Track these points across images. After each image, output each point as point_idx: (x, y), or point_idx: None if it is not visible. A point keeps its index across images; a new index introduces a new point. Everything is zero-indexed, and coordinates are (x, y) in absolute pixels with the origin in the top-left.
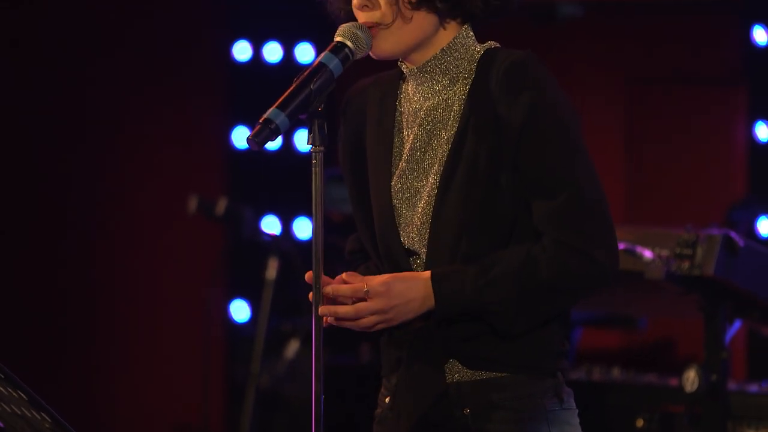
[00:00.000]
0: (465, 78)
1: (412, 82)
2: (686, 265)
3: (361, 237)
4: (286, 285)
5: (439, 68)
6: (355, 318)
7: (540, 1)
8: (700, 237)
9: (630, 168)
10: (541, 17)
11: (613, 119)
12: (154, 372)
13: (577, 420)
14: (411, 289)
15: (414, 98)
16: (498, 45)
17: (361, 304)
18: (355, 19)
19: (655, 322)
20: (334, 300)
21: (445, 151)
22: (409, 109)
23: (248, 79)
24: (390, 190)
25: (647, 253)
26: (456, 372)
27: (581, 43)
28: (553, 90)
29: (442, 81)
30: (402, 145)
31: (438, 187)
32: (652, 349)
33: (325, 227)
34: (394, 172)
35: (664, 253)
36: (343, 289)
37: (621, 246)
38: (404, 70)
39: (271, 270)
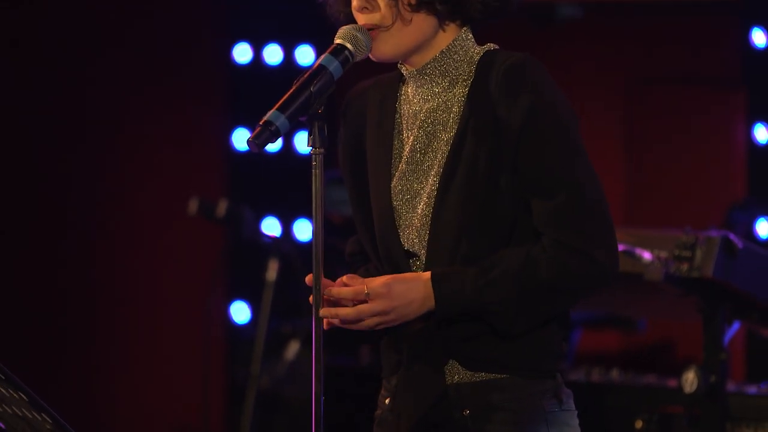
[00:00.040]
0: (464, 80)
1: (411, 84)
2: (685, 266)
3: (361, 239)
4: (286, 286)
5: (438, 70)
6: (357, 320)
7: (539, 3)
8: (699, 239)
9: (629, 169)
10: (541, 19)
11: (612, 120)
12: (155, 373)
13: (577, 421)
14: (411, 289)
15: (414, 100)
16: (497, 47)
17: (362, 306)
18: (354, 22)
19: (654, 324)
20: (335, 303)
21: (444, 153)
22: (408, 111)
23: (248, 81)
24: (390, 191)
25: (646, 255)
26: (456, 373)
27: (580, 44)
28: (552, 91)
29: (441, 83)
30: (402, 147)
31: (437, 189)
32: (651, 351)
33: (325, 229)
34: (394, 174)
35: (663, 254)
36: (344, 291)
37: (620, 248)
38: (404, 73)
39: (272, 271)
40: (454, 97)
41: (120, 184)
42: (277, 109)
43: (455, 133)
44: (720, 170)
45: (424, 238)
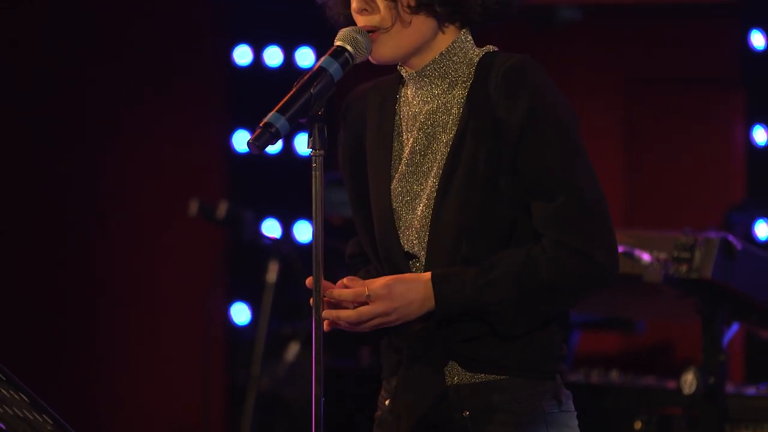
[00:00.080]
0: (464, 82)
1: (411, 86)
2: (684, 268)
3: (361, 241)
4: (286, 288)
5: (438, 72)
6: (358, 322)
7: (539, 5)
8: (698, 240)
9: (629, 170)
10: (541, 21)
11: (612, 121)
12: (155, 374)
13: (576, 422)
14: (411, 290)
15: (413, 102)
16: (496, 49)
17: (363, 308)
18: (354, 24)
19: (654, 325)
20: (335, 305)
21: (444, 155)
22: (408, 113)
23: (249, 83)
24: (390, 193)
25: (645, 256)
26: (455, 374)
27: (580, 46)
28: (552, 92)
29: (441, 85)
30: (402, 148)
31: (437, 190)
32: (651, 352)
33: (325, 231)
34: (394, 176)
35: (663, 256)
36: (345, 294)
37: (620, 249)
38: (403, 75)
39: (272, 273)
40: (454, 99)
41: (120, 185)
42: (277, 111)
43: (455, 135)
44: (719, 171)
45: (424, 240)
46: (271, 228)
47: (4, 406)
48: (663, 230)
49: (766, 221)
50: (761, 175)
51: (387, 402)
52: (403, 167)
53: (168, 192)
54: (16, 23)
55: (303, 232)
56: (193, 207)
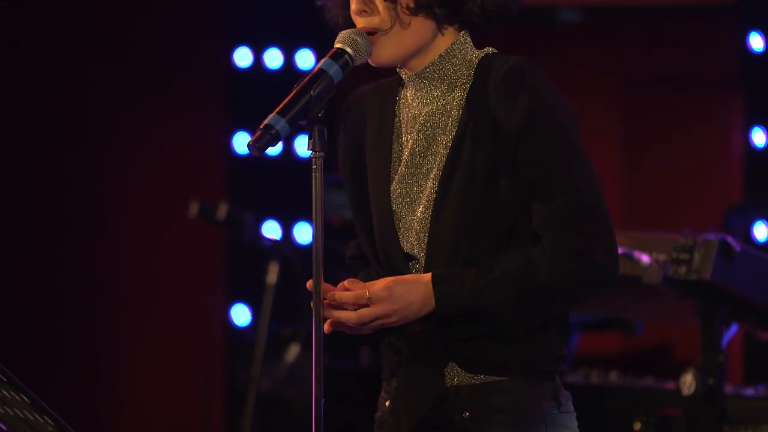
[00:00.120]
0: (463, 83)
1: (411, 88)
2: (683, 269)
3: (361, 243)
4: (286, 289)
5: (437, 74)
6: (359, 324)
7: (539, 7)
8: (697, 242)
9: (628, 171)
10: (541, 23)
11: (611, 123)
12: (155, 375)
13: (576, 423)
14: (412, 291)
15: (413, 104)
16: (495, 50)
17: (363, 310)
18: (353, 26)
19: (653, 326)
20: (336, 307)
21: (443, 156)
22: (408, 114)
23: (249, 85)
24: (389, 195)
25: (645, 258)
26: (455, 375)
27: (580, 47)
28: (551, 94)
29: (440, 87)
30: (401, 150)
31: (436, 192)
32: (650, 353)
33: (325, 232)
34: (394, 178)
35: (662, 257)
36: (346, 296)
37: (619, 250)
38: (403, 77)
39: (272, 274)
40: (453, 101)
41: (120, 185)
42: (277, 113)
43: (454, 137)
44: (718, 173)
45: (424, 241)
46: (272, 229)
47: (5, 407)
48: (662, 232)
49: (764, 223)
50: (760, 177)
51: (387, 403)
52: (403, 169)
53: (168, 193)
54: (16, 23)
55: (303, 233)
56: (194, 208)
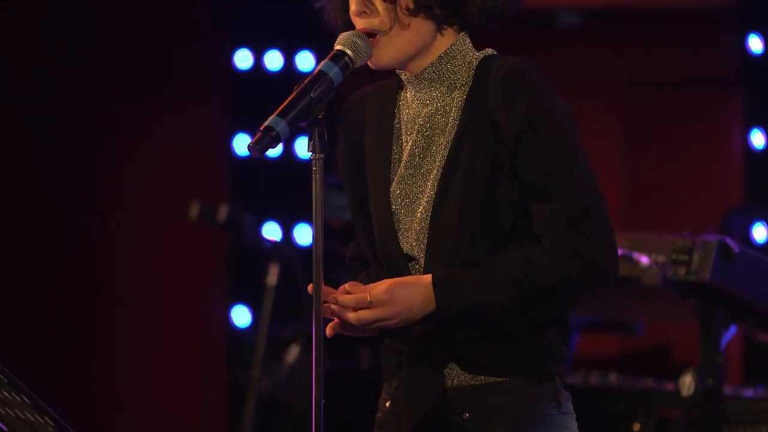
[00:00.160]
0: (463, 85)
1: (410, 90)
2: (682, 271)
3: (361, 244)
4: (286, 291)
5: (436, 75)
6: (360, 326)
7: (539, 10)
8: (696, 243)
9: (627, 173)
10: (541, 25)
11: (611, 124)
12: (155, 377)
13: (575, 424)
14: (412, 294)
15: (412, 105)
16: (495, 52)
17: (364, 313)
18: (352, 28)
19: (652, 328)
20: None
21: (443, 157)
22: (407, 116)
23: (249, 87)
24: (389, 196)
25: (644, 259)
26: (455, 376)
27: (580, 49)
28: (551, 96)
29: (439, 88)
30: (401, 151)
31: (436, 193)
32: (649, 354)
33: (325, 234)
34: (393, 179)
35: (661, 259)
36: (347, 300)
37: (618, 252)
38: (402, 78)
39: (272, 276)
40: (453, 102)
41: (120, 187)
42: (277, 115)
43: (453, 138)
44: (717, 174)
45: (423, 242)
46: (272, 231)
47: (6, 407)
48: (661, 233)
49: (763, 224)
50: (759, 178)
51: (388, 404)
52: (402, 170)
53: (169, 194)
54: (16, 23)
55: (303, 235)
56: (194, 210)
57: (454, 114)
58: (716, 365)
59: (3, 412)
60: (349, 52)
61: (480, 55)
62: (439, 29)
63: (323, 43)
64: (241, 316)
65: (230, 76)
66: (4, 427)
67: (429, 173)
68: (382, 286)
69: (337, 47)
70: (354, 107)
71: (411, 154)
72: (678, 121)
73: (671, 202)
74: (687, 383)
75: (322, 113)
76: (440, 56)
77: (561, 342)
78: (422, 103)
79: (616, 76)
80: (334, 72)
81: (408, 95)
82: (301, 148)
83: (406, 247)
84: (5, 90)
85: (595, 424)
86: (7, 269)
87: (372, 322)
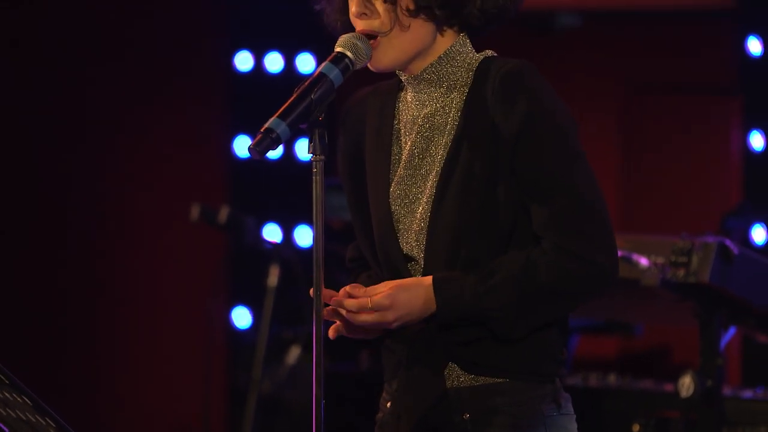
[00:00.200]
0: (462, 86)
1: (410, 91)
2: (682, 272)
3: (361, 246)
4: (287, 292)
5: (436, 75)
6: (363, 330)
7: (538, 12)
8: (695, 245)
9: (626, 175)
10: (540, 28)
11: (610, 126)
12: (156, 378)
13: (575, 425)
14: (413, 297)
15: (412, 106)
16: (495, 54)
17: (365, 316)
18: (352, 30)
19: (651, 329)
20: (338, 313)
21: (442, 158)
22: (407, 116)
23: (249, 89)
24: (388, 197)
25: (643, 261)
26: (455, 377)
27: (579, 52)
28: (550, 98)
29: (439, 88)
30: (400, 152)
31: (434, 194)
32: (648, 356)
33: (325, 235)
34: (393, 179)
35: (660, 260)
36: (348, 304)
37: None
38: (402, 79)
39: (273, 277)
40: (452, 103)
41: (121, 188)
42: (278, 117)
43: (452, 138)
44: (716, 176)
45: (423, 242)
46: (272, 232)
47: (7, 409)
48: (660, 235)
49: (762, 226)
50: (758, 180)
51: (388, 404)
52: (402, 170)
53: (169, 196)
54: (16, 23)
55: (304, 236)
56: (195, 211)
57: (453, 115)
58: (715, 366)
59: (4, 413)
60: (349, 54)
61: (480, 56)
62: (440, 30)
63: (324, 45)
64: (241, 317)
65: (231, 77)
66: (5, 428)
67: (428, 174)
68: (383, 292)
69: (338, 49)
70: (353, 108)
71: (410, 155)
72: (677, 122)
73: (670, 203)
74: (686, 384)
75: (323, 115)
76: (440, 57)
77: (561, 343)
78: (422, 104)
79: (615, 77)
80: (335, 74)
81: (408, 96)
82: (302, 149)
83: (405, 248)
84: (5, 90)
85: (594, 425)
86: (7, 269)
87: (372, 325)
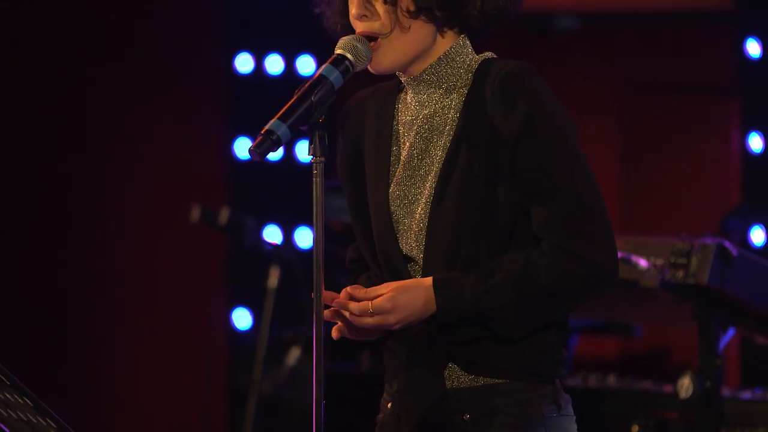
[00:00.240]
0: (461, 87)
1: (409, 92)
2: (681, 273)
3: (360, 247)
4: (287, 293)
5: (435, 77)
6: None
7: (537, 15)
8: (694, 246)
9: (626, 177)
10: (539, 30)
11: (609, 128)
12: (156, 379)
13: (575, 426)
14: (414, 298)
15: (411, 107)
16: (494, 55)
17: (367, 321)
18: (352, 33)
19: (651, 330)
20: (340, 314)
21: (441, 159)
22: (406, 117)
23: (250, 91)
24: (388, 197)
25: (642, 262)
26: (456, 377)
27: (578, 54)
28: (549, 99)
29: (438, 90)
30: (399, 153)
31: (433, 195)
32: (648, 357)
33: (325, 236)
34: (392, 180)
35: (659, 262)
36: (350, 308)
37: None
38: (402, 80)
39: (273, 279)
40: (451, 104)
41: (121, 189)
42: (278, 119)
43: (451, 139)
44: (715, 178)
45: (422, 243)
46: (273, 234)
47: (8, 410)
48: (660, 236)
49: (761, 227)
50: (757, 182)
51: (389, 405)
52: (401, 171)
53: (170, 197)
54: (16, 23)
55: (304, 238)
56: (195, 213)
57: (453, 116)
58: (714, 367)
59: (5, 414)
60: (349, 56)
61: (479, 58)
62: (440, 32)
63: (324, 47)
64: (242, 318)
65: (231, 79)
66: (6, 429)
67: (427, 175)
68: (384, 295)
69: (338, 51)
70: (353, 110)
71: (410, 156)
72: (676, 124)
73: (669, 205)
74: (685, 385)
75: (323, 117)
76: (439, 58)
77: (561, 344)
78: (421, 105)
79: (614, 79)
80: (335, 76)
81: (407, 97)
82: (302, 151)
83: (405, 249)
84: (5, 90)
85: (594, 426)
86: (7, 269)
87: (373, 327)
